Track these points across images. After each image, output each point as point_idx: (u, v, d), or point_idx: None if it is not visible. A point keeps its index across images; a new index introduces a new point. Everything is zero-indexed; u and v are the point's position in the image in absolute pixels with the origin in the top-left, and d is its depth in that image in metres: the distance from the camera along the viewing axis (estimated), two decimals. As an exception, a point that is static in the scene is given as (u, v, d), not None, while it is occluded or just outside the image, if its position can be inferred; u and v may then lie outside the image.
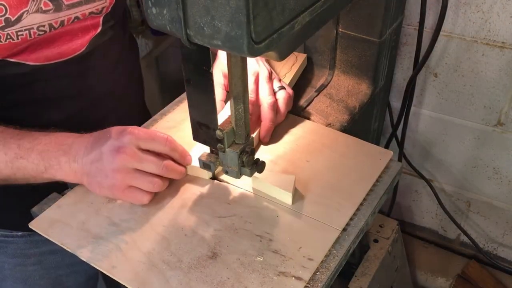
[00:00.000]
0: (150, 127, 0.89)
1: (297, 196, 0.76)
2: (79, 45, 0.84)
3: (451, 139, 1.35)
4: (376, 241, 1.17)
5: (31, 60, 0.79)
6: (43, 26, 0.77)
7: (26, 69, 0.79)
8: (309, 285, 0.64)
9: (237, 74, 0.64)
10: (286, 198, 0.75)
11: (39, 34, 0.77)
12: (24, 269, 1.00)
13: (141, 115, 1.06)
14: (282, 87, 0.88)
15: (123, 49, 0.97)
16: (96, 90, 0.91)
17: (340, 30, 1.04)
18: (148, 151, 0.73)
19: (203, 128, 0.69)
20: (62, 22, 0.79)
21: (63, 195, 0.78)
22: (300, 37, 0.61)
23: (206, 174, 0.79)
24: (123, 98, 0.98)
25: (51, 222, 0.73)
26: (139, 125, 0.85)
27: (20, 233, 0.96)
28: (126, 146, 0.71)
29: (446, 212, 1.41)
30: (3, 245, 0.98)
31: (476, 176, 1.38)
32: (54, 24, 0.78)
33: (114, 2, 0.86)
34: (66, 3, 0.78)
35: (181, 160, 0.77)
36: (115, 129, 0.74)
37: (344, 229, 0.71)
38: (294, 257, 0.67)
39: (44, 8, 0.76)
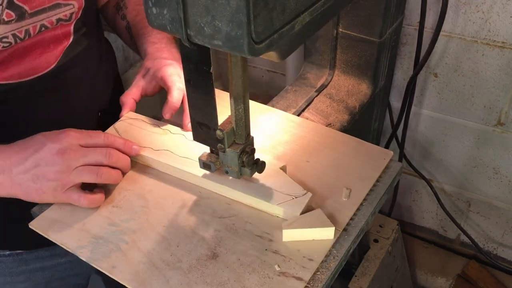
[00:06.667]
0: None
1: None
2: (52, 57, 0.82)
3: (451, 139, 1.35)
4: (376, 241, 1.17)
5: (3, 78, 0.77)
6: (7, 37, 0.74)
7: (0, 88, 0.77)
8: (309, 285, 0.64)
9: (238, 74, 0.64)
10: (328, 234, 0.69)
11: (4, 47, 0.75)
12: (14, 286, 0.98)
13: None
14: None
15: (101, 58, 0.94)
16: (75, 105, 0.88)
17: (340, 30, 1.04)
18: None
19: (203, 128, 0.69)
20: (27, 32, 0.76)
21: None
22: (300, 37, 0.61)
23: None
24: (107, 110, 0.95)
25: (51, 222, 0.73)
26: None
27: (8, 252, 0.94)
28: (67, 146, 0.72)
29: (446, 212, 1.41)
30: None
31: (476, 176, 1.38)
32: (18, 34, 0.75)
33: (83, 5, 0.83)
34: (29, 11, 0.75)
35: (125, 149, 0.78)
36: (47, 134, 0.74)
37: (344, 229, 0.71)
38: (294, 257, 0.67)
39: (6, 19, 0.73)
